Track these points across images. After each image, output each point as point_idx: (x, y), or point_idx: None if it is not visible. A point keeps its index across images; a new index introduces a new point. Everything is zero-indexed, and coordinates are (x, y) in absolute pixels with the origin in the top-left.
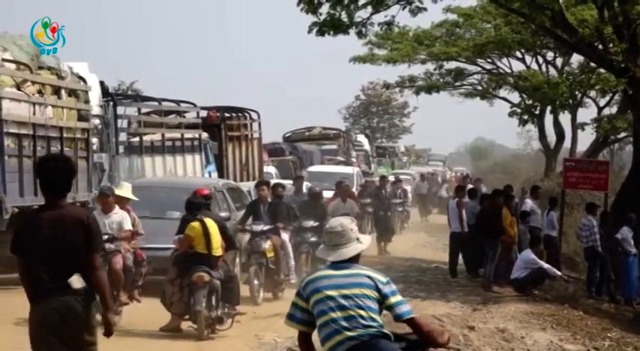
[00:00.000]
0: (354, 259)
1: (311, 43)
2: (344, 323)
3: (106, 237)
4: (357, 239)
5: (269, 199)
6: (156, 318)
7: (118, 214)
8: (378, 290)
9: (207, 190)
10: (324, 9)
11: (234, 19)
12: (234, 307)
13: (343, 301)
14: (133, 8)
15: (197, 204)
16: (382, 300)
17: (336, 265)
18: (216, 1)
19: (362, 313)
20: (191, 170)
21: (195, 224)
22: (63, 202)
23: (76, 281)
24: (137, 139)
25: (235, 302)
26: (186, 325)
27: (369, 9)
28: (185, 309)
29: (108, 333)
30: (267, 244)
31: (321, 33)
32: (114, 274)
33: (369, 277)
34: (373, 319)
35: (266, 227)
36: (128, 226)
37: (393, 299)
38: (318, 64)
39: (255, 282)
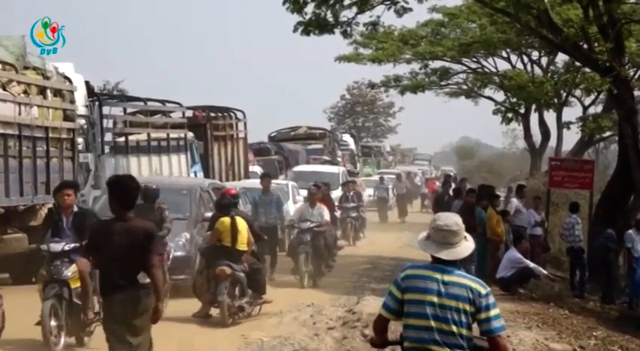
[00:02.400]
0: (458, 260)
1: (296, 43)
2: (437, 336)
3: None
4: (465, 237)
5: (75, 208)
6: None
7: None
8: (474, 303)
9: (234, 190)
10: (310, 8)
11: (219, 18)
12: (260, 296)
13: (441, 312)
14: (121, 7)
15: (226, 204)
16: (476, 313)
17: (441, 266)
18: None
19: (454, 329)
20: (177, 170)
21: (225, 219)
22: (130, 215)
23: (142, 277)
24: (123, 139)
25: (261, 292)
26: (215, 312)
27: (354, 9)
28: (212, 298)
29: (155, 320)
30: (70, 271)
31: (306, 32)
32: None
33: (470, 288)
34: (462, 337)
35: (69, 246)
36: None
37: (490, 312)
38: (303, 63)
39: (304, 269)
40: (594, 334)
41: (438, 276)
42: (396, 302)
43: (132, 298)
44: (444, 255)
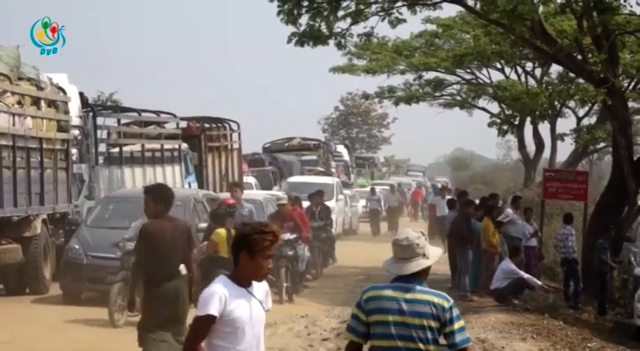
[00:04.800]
0: (421, 275)
1: (290, 54)
2: None
3: None
4: (424, 255)
5: None
6: None
7: None
8: (439, 319)
9: (232, 200)
10: (304, 20)
11: (213, 27)
12: None
13: (406, 331)
14: (114, 17)
15: (221, 215)
16: (441, 327)
17: (401, 284)
18: (195, 11)
19: (421, 346)
20: (171, 181)
21: (221, 231)
22: (170, 216)
23: (183, 269)
24: (117, 149)
25: None
26: None
27: (348, 20)
28: None
29: (195, 302)
30: None
31: (300, 43)
32: None
33: (433, 304)
34: None
35: None
36: None
37: (454, 326)
38: (297, 74)
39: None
40: (589, 345)
41: (399, 295)
42: (364, 325)
43: (175, 288)
44: (395, 270)
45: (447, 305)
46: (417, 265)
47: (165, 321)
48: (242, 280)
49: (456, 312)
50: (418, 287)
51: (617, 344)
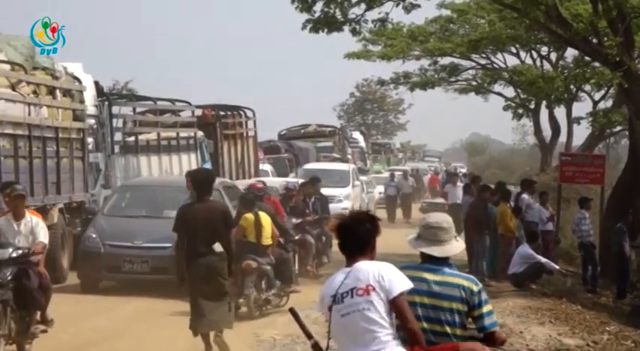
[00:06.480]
0: (448, 258)
1: (305, 40)
2: (431, 338)
3: None
4: (455, 237)
5: None
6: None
7: None
8: (468, 302)
9: (260, 185)
10: (318, 6)
11: (228, 15)
12: (288, 285)
13: (433, 313)
14: (129, 6)
15: (250, 200)
16: (469, 311)
17: (432, 266)
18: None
19: (448, 330)
20: (187, 169)
21: (249, 216)
22: (208, 198)
23: (218, 247)
24: (133, 138)
25: (289, 281)
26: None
27: (363, 6)
28: (239, 291)
29: (230, 274)
30: None
31: (315, 30)
32: None
33: (462, 287)
34: (457, 337)
35: None
36: None
37: (483, 309)
38: (312, 61)
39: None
40: (607, 329)
41: (428, 276)
42: None
43: (210, 263)
44: (436, 252)
45: (475, 289)
46: (456, 246)
47: (202, 295)
48: None
49: (484, 295)
50: (447, 270)
51: (635, 328)
